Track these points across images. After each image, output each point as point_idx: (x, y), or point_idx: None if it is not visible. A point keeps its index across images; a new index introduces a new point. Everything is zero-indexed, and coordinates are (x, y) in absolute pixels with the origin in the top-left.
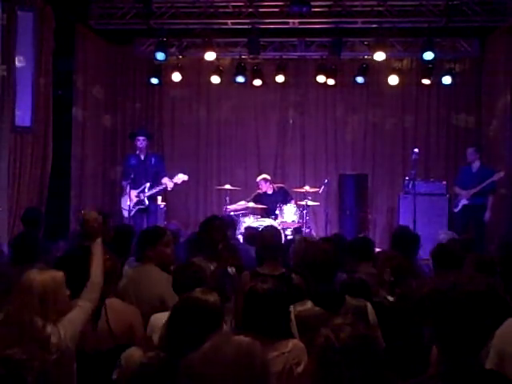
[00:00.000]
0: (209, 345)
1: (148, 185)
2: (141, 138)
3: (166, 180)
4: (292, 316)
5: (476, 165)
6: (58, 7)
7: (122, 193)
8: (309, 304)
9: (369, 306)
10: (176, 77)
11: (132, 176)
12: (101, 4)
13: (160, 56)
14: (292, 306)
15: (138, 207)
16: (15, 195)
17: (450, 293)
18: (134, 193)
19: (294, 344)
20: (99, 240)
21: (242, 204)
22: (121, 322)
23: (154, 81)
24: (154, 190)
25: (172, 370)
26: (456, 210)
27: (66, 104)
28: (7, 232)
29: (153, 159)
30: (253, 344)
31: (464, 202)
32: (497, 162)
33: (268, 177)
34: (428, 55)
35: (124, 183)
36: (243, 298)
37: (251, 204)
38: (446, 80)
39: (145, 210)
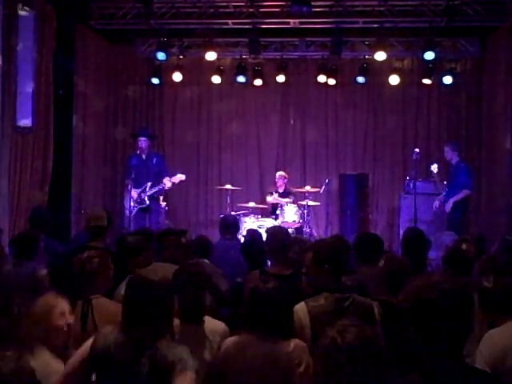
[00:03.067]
0: (232, 345)
1: (149, 184)
2: (142, 138)
3: (166, 180)
4: (305, 311)
5: (453, 162)
6: (59, 7)
7: (124, 192)
8: (322, 300)
9: (375, 304)
10: (177, 77)
11: (133, 176)
12: (102, 4)
13: (161, 56)
14: (304, 302)
15: (139, 206)
16: (16, 195)
17: (426, 293)
18: (135, 192)
19: (295, 344)
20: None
21: (252, 205)
22: (109, 322)
23: (155, 81)
24: (154, 190)
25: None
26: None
27: (67, 104)
28: (8, 231)
29: (154, 159)
30: (277, 352)
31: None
32: (497, 162)
33: (285, 174)
34: (429, 55)
35: (126, 182)
36: (247, 296)
37: (252, 204)
38: (447, 80)
39: (146, 210)
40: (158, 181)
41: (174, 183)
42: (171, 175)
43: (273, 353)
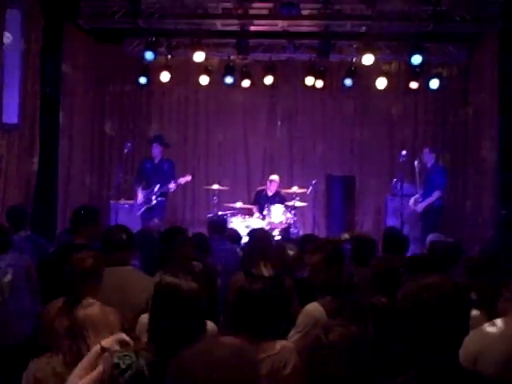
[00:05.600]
0: (199, 346)
1: (158, 186)
2: (155, 144)
3: (171, 183)
4: (321, 310)
5: (429, 164)
6: (47, 5)
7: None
8: (329, 301)
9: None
10: (165, 76)
11: (144, 179)
12: (90, 2)
13: (149, 55)
14: (316, 302)
15: (145, 206)
16: (1, 193)
17: (425, 295)
18: (141, 194)
19: (282, 346)
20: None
21: (240, 205)
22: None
23: (143, 80)
24: (160, 191)
25: (161, 370)
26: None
27: (54, 102)
28: None
29: (165, 165)
30: (243, 346)
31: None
32: (483, 167)
33: (277, 179)
34: (416, 59)
35: (135, 186)
36: (233, 297)
37: (239, 204)
38: (434, 84)
39: (152, 209)
40: (165, 184)
41: (179, 184)
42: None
43: (239, 356)
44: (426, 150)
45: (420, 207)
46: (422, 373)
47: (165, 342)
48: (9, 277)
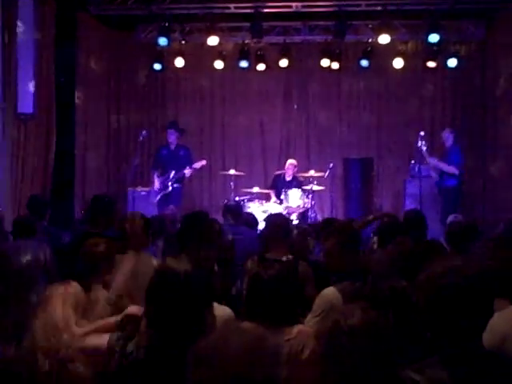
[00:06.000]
0: (217, 333)
1: (173, 172)
2: (170, 130)
3: (187, 169)
4: (337, 294)
5: (448, 144)
6: None
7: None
8: (347, 286)
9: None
10: (179, 62)
11: (160, 166)
12: None
13: (162, 41)
14: (332, 287)
15: (162, 193)
16: (19, 183)
17: (445, 278)
18: (157, 181)
19: (299, 330)
20: (131, 253)
21: (257, 190)
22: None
23: (157, 66)
24: (175, 177)
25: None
26: None
27: (69, 91)
28: (12, 220)
29: (181, 151)
30: (262, 331)
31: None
32: (502, 148)
33: (295, 163)
34: (433, 37)
35: (152, 172)
36: (248, 283)
37: (256, 189)
38: (451, 63)
39: (168, 195)
40: (181, 170)
41: (194, 169)
42: None
43: (258, 342)
44: (446, 130)
45: (434, 162)
46: (447, 356)
47: (160, 327)
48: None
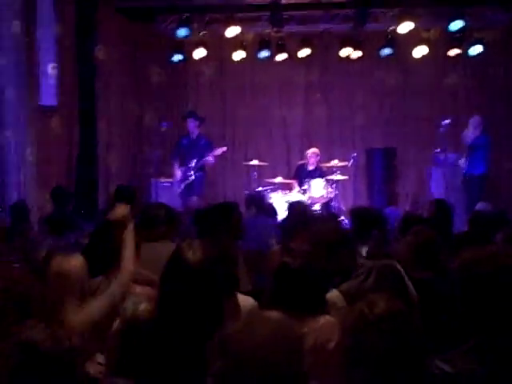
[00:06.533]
0: (242, 322)
1: (194, 161)
2: (189, 119)
3: (208, 157)
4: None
5: (477, 133)
6: None
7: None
8: (334, 292)
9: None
10: (199, 53)
11: (180, 156)
12: None
13: (182, 33)
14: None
15: (184, 183)
16: (43, 175)
17: (483, 267)
18: (179, 171)
19: (325, 320)
20: (132, 225)
21: (280, 180)
22: None
23: (177, 58)
24: (197, 165)
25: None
26: None
27: (90, 83)
28: (37, 212)
29: (202, 140)
30: (287, 321)
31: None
32: None
33: (318, 152)
34: (456, 24)
35: (172, 162)
36: (273, 273)
37: (279, 179)
38: (476, 50)
39: (191, 184)
40: (202, 159)
41: (215, 156)
42: None
43: (282, 331)
44: (475, 118)
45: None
46: (481, 344)
47: (168, 311)
48: None
